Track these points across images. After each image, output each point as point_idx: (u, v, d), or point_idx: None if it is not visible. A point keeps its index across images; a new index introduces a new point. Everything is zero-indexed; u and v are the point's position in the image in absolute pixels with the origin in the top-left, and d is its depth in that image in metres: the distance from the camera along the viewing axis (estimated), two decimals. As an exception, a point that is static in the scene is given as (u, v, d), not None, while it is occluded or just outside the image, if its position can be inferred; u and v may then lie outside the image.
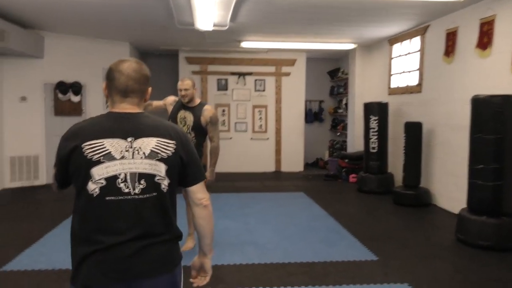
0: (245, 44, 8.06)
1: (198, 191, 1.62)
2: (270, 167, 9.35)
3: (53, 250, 4.04)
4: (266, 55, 9.10)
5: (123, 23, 6.62)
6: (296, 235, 4.65)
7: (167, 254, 1.54)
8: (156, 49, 8.87)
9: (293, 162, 9.35)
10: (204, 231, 1.67)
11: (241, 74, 9.18)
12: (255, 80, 9.26)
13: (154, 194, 1.49)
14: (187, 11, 5.62)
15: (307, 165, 9.96)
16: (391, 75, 7.51)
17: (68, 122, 7.39)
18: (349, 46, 8.27)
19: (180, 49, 8.87)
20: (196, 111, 3.82)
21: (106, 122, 1.52)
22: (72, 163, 1.46)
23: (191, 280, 1.75)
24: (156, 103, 4.03)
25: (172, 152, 1.52)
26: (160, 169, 1.49)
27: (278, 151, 9.38)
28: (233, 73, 9.17)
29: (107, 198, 1.44)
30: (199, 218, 1.65)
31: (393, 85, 7.46)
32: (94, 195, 1.44)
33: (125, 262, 1.45)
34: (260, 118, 9.32)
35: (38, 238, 4.43)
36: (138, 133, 1.50)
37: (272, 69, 9.26)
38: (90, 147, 1.44)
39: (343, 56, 9.77)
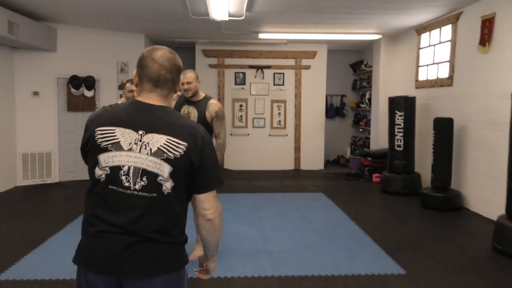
0: (263, 36, 7.68)
1: (205, 201, 1.49)
2: (289, 165, 8.98)
3: (55, 256, 3.79)
4: (285, 47, 8.70)
5: (137, 14, 6.34)
6: (315, 244, 4.28)
7: (162, 257, 1.44)
8: (172, 41, 8.59)
9: (313, 159, 8.95)
10: (206, 242, 1.58)
11: (259, 68, 8.81)
12: (274, 74, 8.88)
13: (154, 194, 1.42)
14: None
15: (327, 163, 9.55)
16: (419, 67, 7.01)
17: (81, 118, 7.27)
18: (373, 36, 7.79)
19: (196, 41, 8.56)
20: (201, 105, 3.54)
21: (125, 110, 1.49)
22: (87, 145, 1.47)
23: (194, 270, 1.70)
24: None
25: (180, 154, 1.42)
26: (163, 169, 1.41)
27: (297, 148, 9.00)
28: (251, 66, 8.81)
29: (110, 186, 1.42)
30: (202, 229, 1.54)
31: (421, 78, 6.96)
32: (101, 180, 1.43)
33: (114, 257, 1.40)
34: (279, 113, 8.96)
35: (42, 241, 4.20)
36: (151, 128, 1.44)
37: (291, 62, 8.86)
38: (101, 133, 1.44)
39: (366, 48, 9.28)
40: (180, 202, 1.47)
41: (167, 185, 1.42)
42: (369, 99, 8.91)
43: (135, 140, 1.42)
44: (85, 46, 7.37)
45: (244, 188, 7.03)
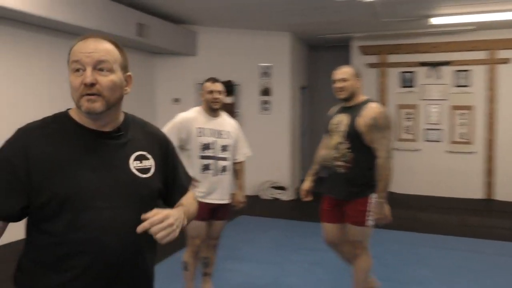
0: (437, 21, 5.75)
1: None
2: (477, 193, 6.66)
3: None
4: (471, 35, 6.49)
5: (277, 6, 5.35)
6: None
7: None
8: (323, 38, 7.36)
9: (515, 187, 6.45)
10: None
11: (434, 65, 6.83)
12: (455, 72, 6.75)
13: None
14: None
15: (537, 193, 6.81)
16: None
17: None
18: None
19: (352, 36, 7.14)
20: (354, 111, 2.64)
21: None
22: None
23: None
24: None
25: None
26: None
27: (489, 171, 6.61)
28: (422, 64, 6.89)
29: None
30: None
31: None
32: None
33: None
34: (463, 123, 6.77)
35: None
36: None
37: (481, 54, 6.59)
38: None
39: None
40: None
41: None
42: None
43: None
44: (225, 49, 6.82)
45: (406, 222, 5.19)
